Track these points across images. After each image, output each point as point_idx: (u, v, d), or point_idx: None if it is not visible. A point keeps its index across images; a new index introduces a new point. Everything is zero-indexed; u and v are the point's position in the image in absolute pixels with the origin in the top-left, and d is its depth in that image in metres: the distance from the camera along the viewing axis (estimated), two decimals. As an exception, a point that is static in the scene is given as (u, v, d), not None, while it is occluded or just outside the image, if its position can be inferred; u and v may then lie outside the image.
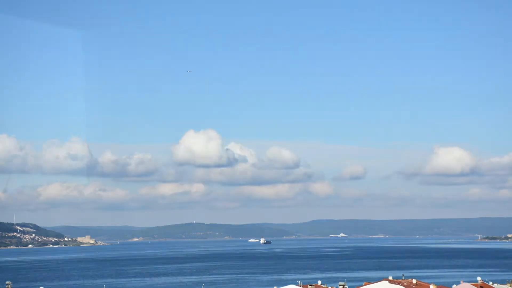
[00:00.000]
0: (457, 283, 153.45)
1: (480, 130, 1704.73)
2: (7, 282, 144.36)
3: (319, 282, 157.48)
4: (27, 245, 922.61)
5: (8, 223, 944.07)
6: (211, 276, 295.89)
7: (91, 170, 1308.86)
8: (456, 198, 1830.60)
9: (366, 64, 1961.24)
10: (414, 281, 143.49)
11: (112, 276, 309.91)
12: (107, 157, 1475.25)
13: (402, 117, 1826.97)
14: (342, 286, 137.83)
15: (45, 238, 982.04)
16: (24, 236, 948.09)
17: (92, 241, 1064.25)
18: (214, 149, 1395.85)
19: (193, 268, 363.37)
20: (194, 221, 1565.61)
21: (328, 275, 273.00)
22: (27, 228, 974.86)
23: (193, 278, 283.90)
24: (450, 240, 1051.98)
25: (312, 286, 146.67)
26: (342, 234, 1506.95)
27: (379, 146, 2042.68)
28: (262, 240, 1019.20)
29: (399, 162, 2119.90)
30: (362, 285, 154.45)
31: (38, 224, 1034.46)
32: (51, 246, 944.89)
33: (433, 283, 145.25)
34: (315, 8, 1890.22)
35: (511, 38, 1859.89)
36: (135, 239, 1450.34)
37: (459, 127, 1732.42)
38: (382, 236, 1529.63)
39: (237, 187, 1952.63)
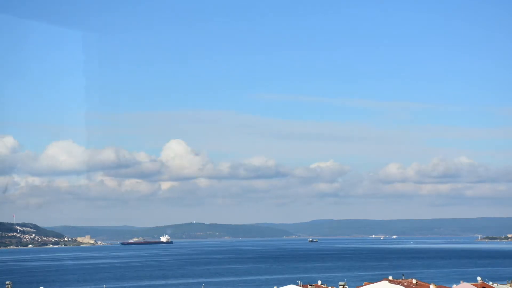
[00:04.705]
0: (457, 283, 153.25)
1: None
2: (7, 282, 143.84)
3: (319, 282, 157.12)
4: (27, 245, 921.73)
5: (8, 223, 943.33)
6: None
7: (91, 170, 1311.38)
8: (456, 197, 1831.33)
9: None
10: (414, 281, 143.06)
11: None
12: (107, 157, 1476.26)
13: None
14: (342, 286, 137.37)
15: (45, 238, 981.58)
16: (24, 236, 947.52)
17: (92, 241, 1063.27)
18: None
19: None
20: (194, 221, 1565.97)
21: (328, 275, 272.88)
22: (27, 228, 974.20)
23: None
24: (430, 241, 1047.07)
25: (312, 286, 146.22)
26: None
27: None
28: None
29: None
30: (362, 285, 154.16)
31: (38, 224, 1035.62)
32: (51, 246, 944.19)
33: (433, 283, 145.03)
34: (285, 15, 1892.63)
35: None
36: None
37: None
38: (382, 236, 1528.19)
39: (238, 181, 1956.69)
